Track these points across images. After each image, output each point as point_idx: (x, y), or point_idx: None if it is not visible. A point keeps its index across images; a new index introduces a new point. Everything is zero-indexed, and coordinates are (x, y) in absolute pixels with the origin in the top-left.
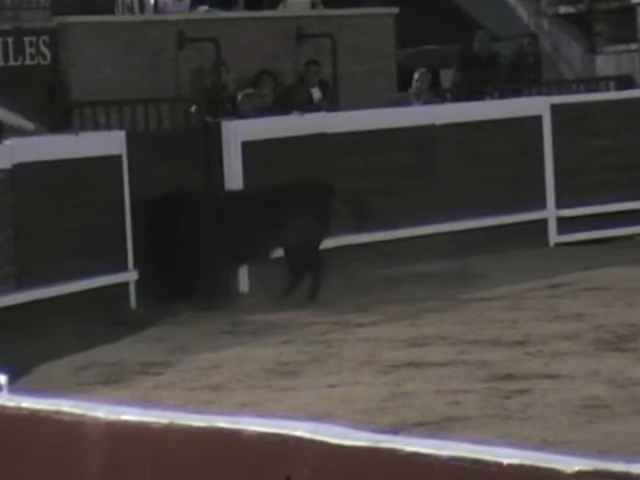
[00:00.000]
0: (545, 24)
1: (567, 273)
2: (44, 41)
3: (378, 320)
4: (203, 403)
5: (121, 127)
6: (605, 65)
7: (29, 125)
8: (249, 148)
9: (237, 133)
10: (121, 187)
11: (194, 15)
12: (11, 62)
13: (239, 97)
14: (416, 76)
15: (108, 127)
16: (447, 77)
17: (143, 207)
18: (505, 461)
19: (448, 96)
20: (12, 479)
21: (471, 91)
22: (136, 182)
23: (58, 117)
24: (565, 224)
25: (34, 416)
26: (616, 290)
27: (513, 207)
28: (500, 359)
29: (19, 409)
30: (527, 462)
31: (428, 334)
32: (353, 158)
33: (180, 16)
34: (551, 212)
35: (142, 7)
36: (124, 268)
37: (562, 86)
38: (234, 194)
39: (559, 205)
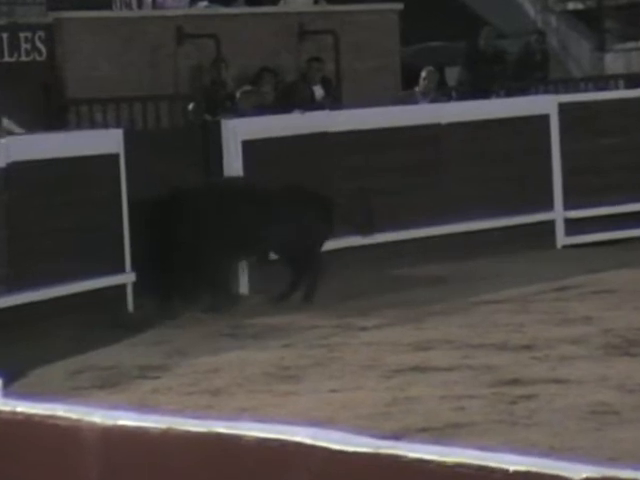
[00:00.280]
0: (553, 21)
1: (575, 276)
2: (40, 37)
3: (381, 323)
4: (202, 408)
5: (118, 125)
6: (614, 63)
7: (19, 131)
8: (249, 147)
9: (237, 132)
10: (118, 186)
11: (193, 10)
12: (6, 58)
13: (237, 95)
14: (423, 74)
15: (105, 125)
16: (452, 75)
17: (140, 207)
18: (511, 468)
19: (453, 94)
20: None
21: (477, 89)
22: (134, 181)
23: (54, 114)
24: (573, 225)
25: (29, 420)
26: (625, 293)
27: (520, 208)
28: (506, 363)
29: (14, 414)
30: (533, 469)
31: (433, 338)
32: (356, 157)
33: (179, 11)
34: (558, 213)
35: (140, 2)
36: (121, 270)
37: (570, 84)
38: (233, 188)
39: (567, 206)
